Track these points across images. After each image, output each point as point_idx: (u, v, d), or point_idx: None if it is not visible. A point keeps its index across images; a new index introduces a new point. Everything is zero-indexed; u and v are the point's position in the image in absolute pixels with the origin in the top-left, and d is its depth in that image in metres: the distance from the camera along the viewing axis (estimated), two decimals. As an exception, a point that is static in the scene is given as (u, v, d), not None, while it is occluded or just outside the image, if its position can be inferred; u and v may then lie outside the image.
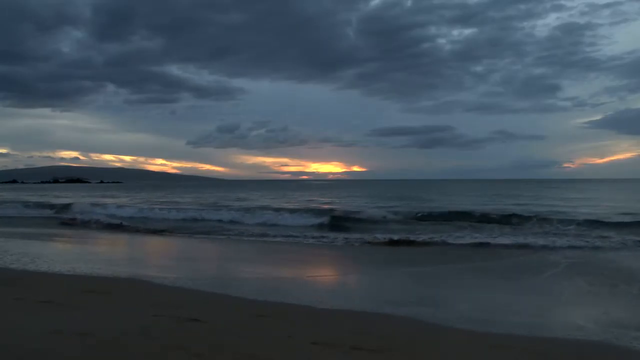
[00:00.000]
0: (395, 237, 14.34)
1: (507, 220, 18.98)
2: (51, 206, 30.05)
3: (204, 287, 7.98)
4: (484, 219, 19.54)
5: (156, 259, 12.54)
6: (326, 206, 27.94)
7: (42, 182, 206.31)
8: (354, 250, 13.26)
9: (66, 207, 28.39)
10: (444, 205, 27.68)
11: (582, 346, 5.01)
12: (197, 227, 19.11)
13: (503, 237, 14.40)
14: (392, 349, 4.55)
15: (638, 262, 11.04)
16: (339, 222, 19.48)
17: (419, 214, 21.12)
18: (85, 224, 20.60)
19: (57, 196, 49.80)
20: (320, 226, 18.79)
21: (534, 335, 5.33)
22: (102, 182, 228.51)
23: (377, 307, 6.72)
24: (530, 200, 33.03)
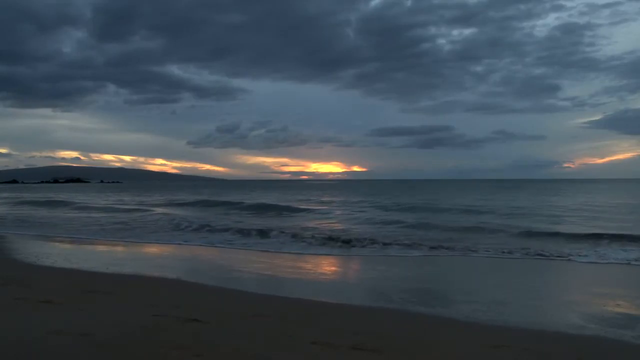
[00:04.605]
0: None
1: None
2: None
3: (203, 287, 8.00)
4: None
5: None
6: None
7: (43, 182, 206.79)
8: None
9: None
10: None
11: (582, 345, 5.01)
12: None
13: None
14: (392, 349, 4.55)
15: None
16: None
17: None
18: None
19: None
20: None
21: (535, 334, 5.33)
22: (102, 182, 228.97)
23: (377, 307, 6.73)
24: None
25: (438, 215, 22.76)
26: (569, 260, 11.00)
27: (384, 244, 13.67)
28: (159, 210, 28.30)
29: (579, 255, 11.37)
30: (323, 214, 25.92)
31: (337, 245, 13.66)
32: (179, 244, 14.67)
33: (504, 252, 12.14)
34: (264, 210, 27.43)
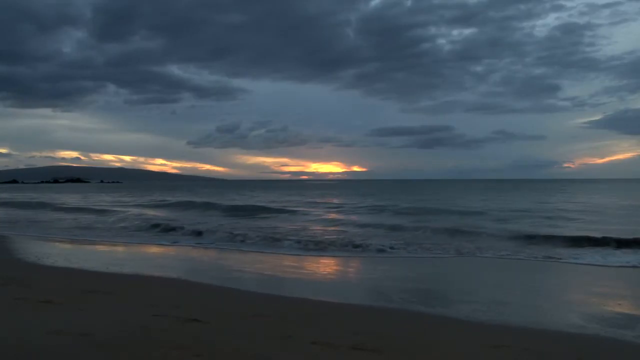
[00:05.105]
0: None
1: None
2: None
3: (203, 287, 8.00)
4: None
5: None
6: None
7: (42, 182, 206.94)
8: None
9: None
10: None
11: (582, 345, 5.01)
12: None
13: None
14: (392, 349, 4.55)
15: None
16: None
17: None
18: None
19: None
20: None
21: (535, 334, 5.33)
22: (102, 182, 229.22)
23: (378, 307, 6.73)
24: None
25: (435, 217, 22.54)
26: (568, 262, 11.00)
27: (355, 245, 13.48)
28: (133, 210, 28.57)
29: (578, 257, 11.37)
30: (306, 215, 25.05)
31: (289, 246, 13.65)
32: (127, 242, 15.10)
33: (502, 254, 12.15)
34: (249, 212, 26.81)
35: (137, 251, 13.64)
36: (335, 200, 40.48)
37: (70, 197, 50.68)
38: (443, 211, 25.26)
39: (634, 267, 10.30)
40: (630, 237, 13.85)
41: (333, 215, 24.92)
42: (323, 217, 24.13)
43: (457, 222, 19.32)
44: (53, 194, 62.05)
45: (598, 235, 14.47)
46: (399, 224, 18.60)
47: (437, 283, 9.07)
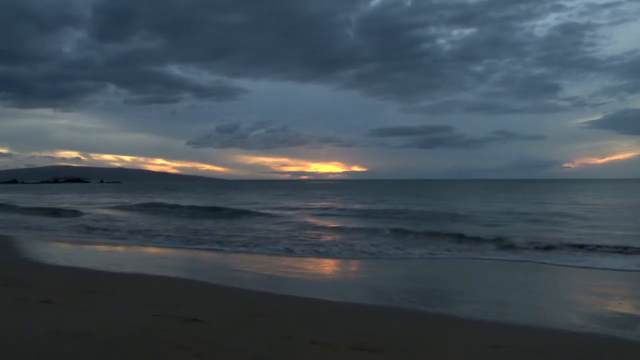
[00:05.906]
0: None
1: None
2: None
3: (203, 287, 8.00)
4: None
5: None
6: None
7: (43, 182, 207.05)
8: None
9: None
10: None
11: (582, 345, 5.01)
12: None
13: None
14: (392, 349, 4.55)
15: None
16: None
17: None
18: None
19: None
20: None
21: (535, 334, 5.33)
22: (102, 182, 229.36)
23: (378, 307, 6.73)
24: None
25: (435, 219, 22.19)
26: (568, 264, 10.99)
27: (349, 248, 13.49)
28: (99, 211, 28.87)
29: (578, 260, 11.34)
30: (280, 217, 23.90)
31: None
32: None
33: (502, 255, 12.16)
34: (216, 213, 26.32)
35: (137, 251, 13.64)
36: (332, 201, 40.26)
37: (54, 198, 50.28)
38: (443, 213, 25.17)
39: (633, 270, 10.28)
40: (630, 239, 13.86)
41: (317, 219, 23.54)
42: (306, 219, 23.06)
43: (457, 224, 19.31)
44: (37, 195, 61.90)
45: (598, 237, 14.47)
46: (398, 227, 18.51)
47: (437, 283, 9.07)
